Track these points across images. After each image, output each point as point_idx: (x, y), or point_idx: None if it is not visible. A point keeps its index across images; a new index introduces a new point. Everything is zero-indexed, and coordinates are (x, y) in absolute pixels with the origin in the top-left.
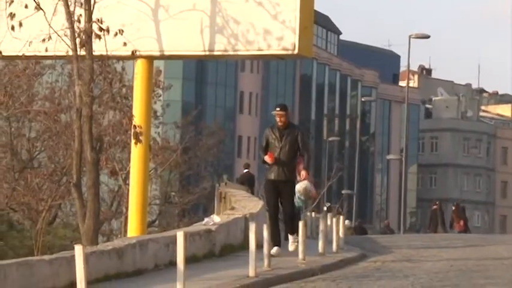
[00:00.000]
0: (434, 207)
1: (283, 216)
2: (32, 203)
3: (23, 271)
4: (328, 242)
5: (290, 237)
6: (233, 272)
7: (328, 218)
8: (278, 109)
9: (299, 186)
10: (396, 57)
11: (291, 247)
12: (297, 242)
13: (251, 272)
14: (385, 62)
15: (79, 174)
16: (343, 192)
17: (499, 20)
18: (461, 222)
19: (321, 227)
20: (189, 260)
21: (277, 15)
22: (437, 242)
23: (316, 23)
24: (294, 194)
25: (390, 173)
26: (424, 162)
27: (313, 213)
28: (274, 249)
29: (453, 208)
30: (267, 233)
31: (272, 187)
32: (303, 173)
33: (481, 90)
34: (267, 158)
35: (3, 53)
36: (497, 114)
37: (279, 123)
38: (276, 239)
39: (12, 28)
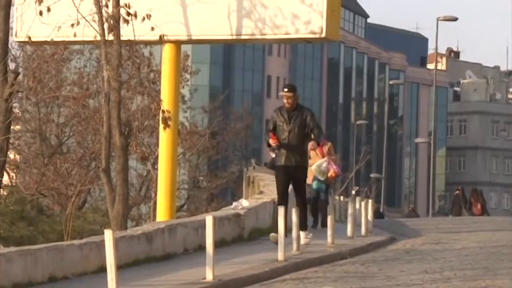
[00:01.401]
0: (457, 192)
1: (296, 205)
2: (62, 188)
3: (53, 256)
4: (357, 225)
5: (302, 233)
6: (262, 256)
7: (356, 202)
8: (286, 90)
9: (314, 166)
10: (424, 40)
11: (303, 241)
12: (309, 237)
13: (280, 256)
14: (412, 45)
15: (108, 160)
16: (371, 175)
17: None
18: (479, 206)
19: (350, 210)
20: (218, 244)
21: None
22: (467, 224)
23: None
24: (306, 180)
25: (418, 157)
26: (452, 145)
27: (341, 197)
28: (276, 236)
29: (471, 192)
30: (295, 217)
31: (283, 174)
32: (311, 143)
33: (510, 73)
34: (271, 141)
35: (32, 39)
36: None
37: (287, 105)
38: (286, 229)
39: (40, 13)
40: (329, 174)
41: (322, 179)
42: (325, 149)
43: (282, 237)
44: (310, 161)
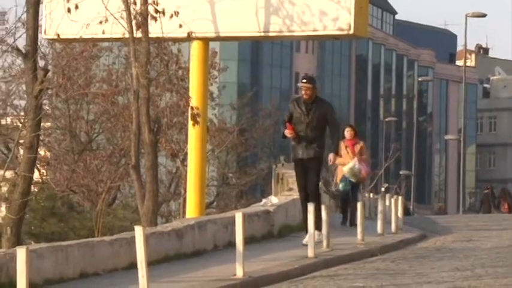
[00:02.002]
0: (486, 191)
1: (306, 196)
2: (92, 184)
3: (84, 252)
4: (386, 222)
5: (316, 232)
6: (292, 253)
7: (386, 199)
8: (304, 81)
9: (346, 168)
10: (453, 37)
11: (317, 238)
12: (321, 238)
13: (310, 253)
14: (441, 42)
15: (137, 156)
16: (400, 172)
17: None
18: (506, 205)
19: (380, 207)
20: (248, 240)
21: None
22: (497, 222)
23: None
24: (320, 172)
25: (448, 154)
26: (482, 142)
27: (371, 194)
28: (307, 237)
29: (500, 191)
30: (325, 214)
31: (301, 168)
32: (331, 156)
33: None
34: (287, 132)
35: (61, 36)
36: None
37: (305, 96)
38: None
39: (69, 10)
40: (360, 176)
41: (353, 180)
42: (357, 148)
43: (312, 234)
44: (340, 160)
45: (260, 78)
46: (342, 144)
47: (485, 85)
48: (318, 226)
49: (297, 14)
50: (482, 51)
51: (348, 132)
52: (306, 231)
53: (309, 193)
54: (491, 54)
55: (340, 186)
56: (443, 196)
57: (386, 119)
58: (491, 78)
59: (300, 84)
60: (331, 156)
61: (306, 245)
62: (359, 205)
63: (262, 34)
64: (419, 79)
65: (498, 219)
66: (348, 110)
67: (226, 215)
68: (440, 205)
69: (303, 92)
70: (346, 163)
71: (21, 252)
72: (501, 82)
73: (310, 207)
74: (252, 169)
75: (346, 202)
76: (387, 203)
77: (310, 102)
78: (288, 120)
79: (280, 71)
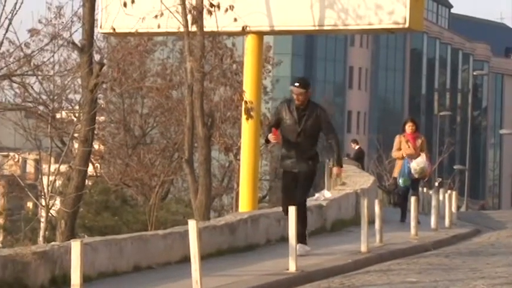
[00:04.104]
0: None
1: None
2: (145, 178)
3: (138, 245)
4: (440, 217)
5: (298, 245)
6: (345, 247)
7: (440, 194)
8: (297, 85)
9: (416, 165)
10: (508, 30)
11: (299, 250)
12: (303, 252)
13: (363, 248)
14: (497, 36)
15: (191, 150)
16: (454, 167)
17: None
18: None
19: (433, 202)
20: (300, 236)
21: None
22: None
23: None
24: (311, 185)
25: (503, 148)
26: None
27: (424, 189)
28: (299, 247)
29: None
30: (378, 208)
31: (289, 180)
32: (336, 170)
33: None
34: (270, 136)
35: (117, 30)
36: None
37: (297, 102)
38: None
39: (125, 5)
40: (426, 173)
41: (417, 176)
42: (418, 142)
43: (366, 228)
44: (397, 153)
45: (314, 72)
46: (402, 138)
47: None
48: (302, 240)
49: (352, 7)
50: None
51: (409, 127)
52: (300, 242)
53: (297, 206)
54: None
55: (401, 181)
56: (497, 191)
57: (441, 113)
58: None
59: (291, 88)
60: (335, 170)
61: (300, 255)
62: (413, 200)
63: (316, 28)
64: (474, 73)
65: None
66: (402, 104)
67: (279, 209)
68: (483, 202)
69: (295, 97)
70: (410, 157)
71: (75, 246)
72: None
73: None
74: None
75: (406, 198)
76: (441, 198)
77: (302, 108)
78: (273, 124)
79: (334, 65)
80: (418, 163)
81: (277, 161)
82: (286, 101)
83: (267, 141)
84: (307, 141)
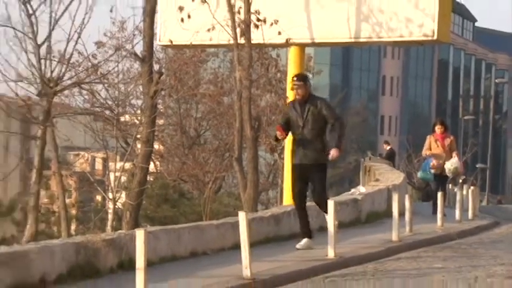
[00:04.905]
0: None
1: (299, 201)
2: (200, 175)
3: (194, 234)
4: (464, 210)
5: (305, 239)
6: (378, 237)
7: (464, 189)
8: (295, 79)
9: (449, 166)
10: None
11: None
12: (307, 246)
13: (394, 237)
14: None
15: (240, 150)
16: (477, 166)
17: None
18: None
19: (458, 197)
20: (338, 226)
21: (418, 3)
22: None
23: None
24: (325, 179)
25: None
26: None
27: (449, 185)
28: (303, 242)
29: None
30: (408, 203)
31: (298, 173)
32: (333, 152)
33: None
34: (278, 134)
35: (174, 43)
36: None
37: (297, 96)
38: (304, 230)
39: (181, 20)
40: (459, 171)
41: (451, 176)
42: (447, 141)
43: (397, 220)
44: (426, 152)
45: (350, 81)
46: (432, 138)
47: None
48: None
49: (385, 21)
50: None
51: (438, 129)
52: (309, 236)
53: (318, 203)
54: None
55: (419, 174)
56: None
57: (465, 117)
58: None
59: (290, 83)
60: (333, 151)
61: (300, 249)
62: (439, 195)
63: (353, 40)
64: (496, 81)
65: None
66: (430, 109)
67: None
68: (500, 197)
69: (295, 92)
70: (438, 154)
71: (139, 234)
72: None
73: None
74: (341, 162)
75: (435, 198)
76: (464, 193)
77: (303, 102)
78: (282, 124)
79: (368, 75)
80: (452, 163)
81: None
82: (292, 101)
83: (277, 139)
84: (312, 134)
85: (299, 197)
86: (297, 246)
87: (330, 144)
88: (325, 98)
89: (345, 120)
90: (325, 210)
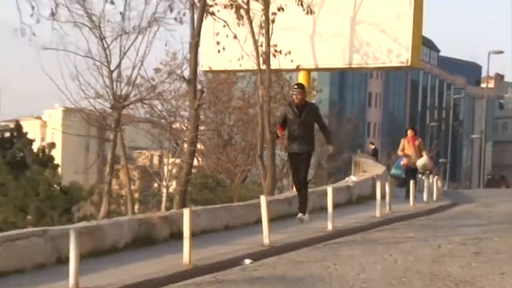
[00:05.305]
0: (489, 177)
1: (298, 182)
2: (231, 168)
3: (227, 212)
4: (430, 194)
5: (300, 214)
6: (365, 214)
7: (430, 178)
8: (296, 87)
9: (419, 163)
10: (479, 67)
11: (302, 218)
12: (307, 219)
13: (377, 214)
14: (470, 70)
15: (261, 149)
16: (440, 160)
17: None
18: (504, 186)
19: (425, 184)
20: (335, 206)
21: (396, 38)
22: (504, 196)
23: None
24: (309, 165)
25: (474, 147)
26: (497, 140)
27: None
28: (299, 215)
29: (499, 177)
30: (388, 188)
31: (296, 160)
32: (330, 148)
33: None
34: (278, 132)
35: (212, 68)
36: None
37: (296, 100)
38: (302, 206)
39: (218, 51)
40: (428, 168)
41: (421, 171)
42: (417, 142)
43: (379, 201)
44: (400, 152)
45: (344, 97)
46: (405, 141)
47: (500, 100)
48: (303, 209)
49: (371, 51)
50: (499, 77)
51: (410, 133)
52: (303, 212)
53: (299, 182)
54: (506, 79)
55: (392, 170)
56: (469, 177)
57: (431, 124)
58: (505, 95)
59: (291, 92)
60: (331, 148)
61: (297, 218)
62: (412, 183)
63: (347, 66)
64: (454, 97)
65: (505, 193)
66: (404, 118)
67: (321, 188)
68: (456, 185)
69: (294, 96)
70: (409, 154)
71: (186, 212)
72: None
73: (301, 193)
74: (338, 158)
75: (408, 185)
76: (430, 181)
77: (301, 106)
78: (281, 123)
79: (359, 92)
80: (421, 161)
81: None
82: (288, 104)
83: (277, 136)
84: (305, 131)
85: (297, 176)
86: (298, 217)
87: (320, 143)
88: (317, 106)
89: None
90: (304, 189)
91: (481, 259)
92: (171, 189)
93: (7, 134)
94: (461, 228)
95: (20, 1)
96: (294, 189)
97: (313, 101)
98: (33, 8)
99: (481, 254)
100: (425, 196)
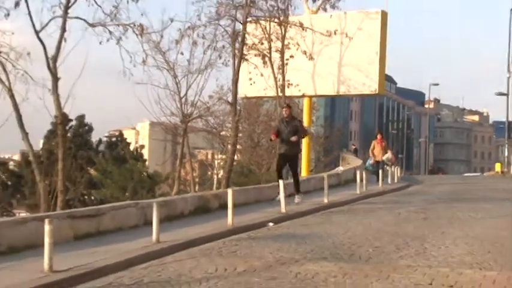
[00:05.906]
0: (430, 168)
1: (292, 179)
2: (259, 161)
3: (257, 191)
4: (392, 178)
5: (296, 195)
6: (349, 193)
7: (392, 168)
8: (284, 105)
9: (384, 157)
10: (423, 94)
11: (296, 200)
12: (300, 198)
13: (358, 192)
14: (417, 96)
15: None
16: (399, 156)
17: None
18: (441, 173)
19: (389, 171)
20: (329, 186)
21: (368, 75)
22: (444, 180)
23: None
24: (297, 164)
25: (421, 148)
26: (437, 142)
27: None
28: (278, 197)
29: (437, 168)
30: (365, 176)
31: (281, 158)
32: (294, 138)
33: (463, 109)
34: (272, 137)
35: (247, 95)
36: (472, 120)
37: (285, 115)
38: (278, 191)
39: (250, 84)
40: (390, 160)
41: (388, 163)
42: (383, 144)
43: (358, 183)
44: (370, 153)
45: (334, 113)
46: (375, 142)
47: (438, 116)
48: (296, 191)
49: (352, 83)
50: (436, 101)
51: (379, 136)
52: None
53: (294, 175)
54: (442, 102)
55: (367, 166)
56: (418, 167)
57: (392, 131)
58: (441, 113)
59: (283, 109)
60: (294, 138)
61: (279, 201)
62: (380, 172)
63: (336, 93)
64: (407, 113)
65: (443, 178)
66: (374, 127)
67: (319, 175)
68: (410, 172)
69: (284, 112)
70: (377, 153)
71: (229, 191)
72: (446, 116)
73: (294, 181)
74: (331, 154)
75: (378, 173)
76: (393, 169)
77: (288, 120)
78: (275, 131)
79: (345, 110)
80: (385, 156)
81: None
82: (280, 118)
83: (271, 139)
84: (290, 137)
85: (279, 171)
86: (277, 198)
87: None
88: (300, 119)
89: (309, 132)
90: (298, 188)
91: (428, 222)
92: (219, 176)
93: (113, 139)
94: (414, 201)
95: (122, 51)
96: (278, 178)
97: (313, 118)
98: (131, 57)
99: (428, 219)
100: (389, 180)
